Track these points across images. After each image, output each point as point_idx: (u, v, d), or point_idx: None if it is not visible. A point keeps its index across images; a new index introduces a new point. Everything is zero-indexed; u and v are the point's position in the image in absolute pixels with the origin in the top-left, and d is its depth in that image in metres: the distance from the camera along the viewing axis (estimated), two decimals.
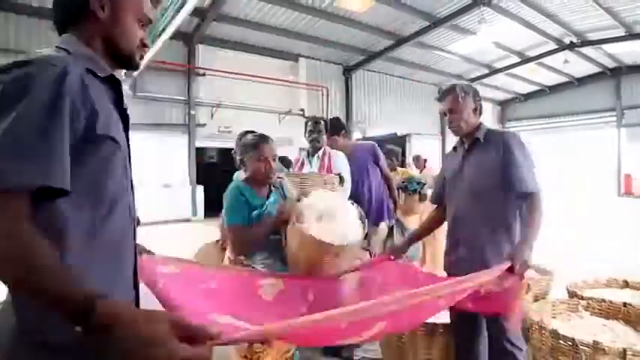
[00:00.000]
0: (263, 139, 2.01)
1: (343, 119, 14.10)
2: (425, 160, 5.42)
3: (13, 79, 0.68)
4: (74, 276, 0.64)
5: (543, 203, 1.72)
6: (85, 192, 0.74)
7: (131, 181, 0.91)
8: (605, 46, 13.00)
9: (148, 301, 1.11)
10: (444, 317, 1.98)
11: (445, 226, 2.05)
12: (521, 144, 1.80)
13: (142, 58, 0.97)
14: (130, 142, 0.92)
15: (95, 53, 0.86)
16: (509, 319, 1.67)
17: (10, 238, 0.61)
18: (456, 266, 1.88)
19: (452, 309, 1.83)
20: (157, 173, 9.69)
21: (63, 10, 0.87)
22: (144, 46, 0.95)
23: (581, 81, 16.65)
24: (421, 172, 5.63)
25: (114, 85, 0.88)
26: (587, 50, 13.29)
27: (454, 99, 1.87)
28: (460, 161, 1.94)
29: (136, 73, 8.24)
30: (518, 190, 1.72)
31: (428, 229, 2.18)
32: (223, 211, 2.10)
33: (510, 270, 1.47)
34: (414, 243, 2.13)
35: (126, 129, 0.89)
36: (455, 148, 2.06)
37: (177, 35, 8.67)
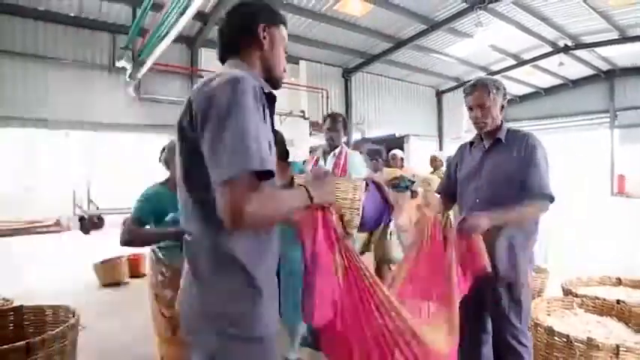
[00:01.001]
0: None
1: None
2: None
3: (220, 91, 0.91)
4: (293, 189, 1.11)
5: (544, 210, 1.71)
6: None
7: None
8: (599, 49, 13.00)
9: None
10: None
11: None
12: (541, 146, 1.76)
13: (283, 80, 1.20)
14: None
15: (258, 74, 1.08)
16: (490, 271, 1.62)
17: (270, 198, 0.91)
18: None
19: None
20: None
21: (235, 40, 1.10)
22: (284, 70, 1.18)
23: (576, 83, 16.65)
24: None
25: (271, 99, 1.06)
26: (581, 53, 13.29)
27: (485, 94, 1.76)
28: (479, 159, 1.86)
29: (140, 75, 8.24)
30: (531, 192, 1.70)
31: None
32: None
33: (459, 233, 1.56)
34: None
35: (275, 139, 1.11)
36: (472, 144, 1.96)
37: (180, 38, 8.68)
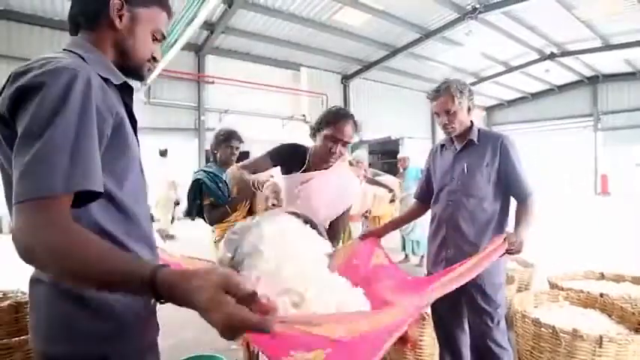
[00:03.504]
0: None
1: None
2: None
3: (40, 86, 0.63)
4: (132, 256, 0.64)
5: (537, 205, 1.65)
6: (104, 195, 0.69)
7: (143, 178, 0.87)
8: (583, 57, 13.01)
9: None
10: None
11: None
12: (515, 148, 1.68)
13: (150, 70, 0.92)
14: (140, 145, 0.87)
15: (107, 58, 0.82)
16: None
17: (65, 237, 0.58)
18: (443, 267, 1.70)
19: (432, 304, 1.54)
20: (170, 173, 9.70)
21: (81, 13, 0.82)
22: (154, 59, 0.90)
23: (561, 88, 16.67)
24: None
25: (125, 90, 0.83)
26: (566, 60, 13.30)
27: (449, 99, 1.65)
28: (451, 161, 1.76)
29: (149, 81, 8.25)
30: (519, 197, 1.65)
31: (406, 220, 2.10)
32: None
33: (507, 250, 1.45)
34: (391, 231, 1.94)
35: (135, 131, 0.84)
36: (442, 146, 1.86)
37: (188, 46, 8.69)
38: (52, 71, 0.64)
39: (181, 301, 0.54)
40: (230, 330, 0.49)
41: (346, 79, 13.44)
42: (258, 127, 10.48)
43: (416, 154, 6.07)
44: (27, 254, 0.58)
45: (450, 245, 1.73)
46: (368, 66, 12.73)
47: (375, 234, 1.86)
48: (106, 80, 0.75)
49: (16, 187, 0.59)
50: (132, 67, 0.86)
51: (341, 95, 13.47)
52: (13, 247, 0.58)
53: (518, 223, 1.62)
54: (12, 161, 0.63)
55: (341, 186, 1.72)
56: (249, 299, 0.51)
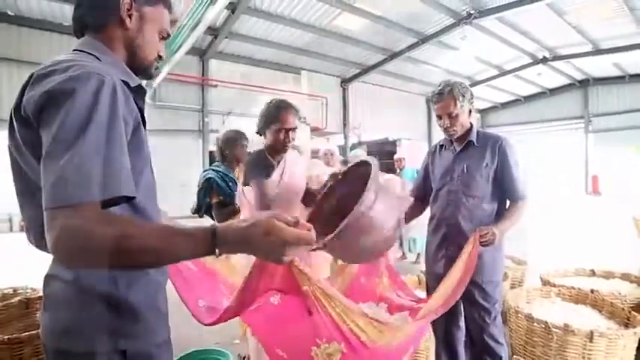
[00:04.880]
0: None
1: (341, 126, 14.17)
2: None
3: (70, 91, 0.62)
4: (184, 227, 0.65)
5: (526, 209, 1.66)
6: None
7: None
8: (574, 61, 13.01)
9: None
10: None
11: None
12: (513, 150, 1.67)
13: (157, 68, 0.93)
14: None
15: (120, 59, 0.82)
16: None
17: (116, 226, 0.59)
18: (443, 265, 1.70)
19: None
20: (175, 174, 9.70)
21: (90, 13, 0.80)
22: (160, 57, 0.90)
23: (553, 91, 16.65)
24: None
25: (139, 91, 0.83)
26: (558, 64, 13.29)
27: (452, 102, 1.62)
28: (451, 162, 1.73)
29: (155, 84, 8.25)
30: (513, 198, 1.65)
31: (406, 219, 2.00)
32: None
33: (481, 243, 1.48)
34: None
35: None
36: (442, 147, 1.83)
37: (192, 51, 8.69)
38: (80, 76, 0.63)
39: (240, 244, 0.64)
40: (285, 246, 0.62)
41: (345, 82, 13.43)
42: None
43: (412, 154, 6.02)
44: (79, 255, 0.57)
45: (450, 244, 1.71)
46: (366, 69, 12.73)
47: None
48: (124, 83, 0.75)
49: (50, 191, 0.58)
50: (141, 66, 0.85)
51: (340, 98, 13.46)
52: (51, 250, 0.58)
53: (500, 217, 1.65)
54: (31, 162, 0.65)
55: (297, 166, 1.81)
56: (295, 224, 0.65)
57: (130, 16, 0.80)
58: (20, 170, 0.71)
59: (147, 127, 0.86)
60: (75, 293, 0.70)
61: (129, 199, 0.64)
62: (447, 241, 1.73)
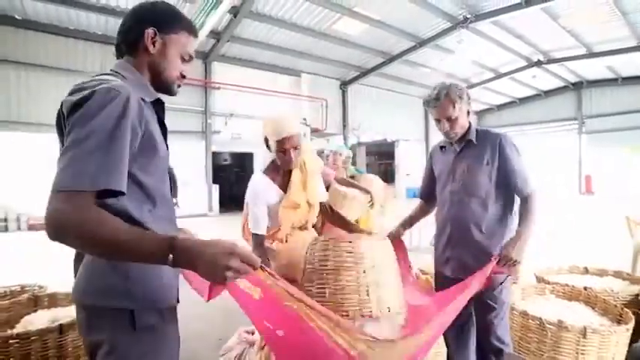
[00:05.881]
0: None
1: (340, 127, 14.17)
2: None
3: (89, 103, 0.75)
4: (148, 231, 0.77)
5: (539, 201, 1.56)
6: (134, 184, 0.83)
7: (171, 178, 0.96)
8: (568, 64, 13.02)
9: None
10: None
11: None
12: (513, 145, 1.60)
13: (179, 86, 1.02)
14: (169, 150, 0.99)
15: (144, 78, 0.94)
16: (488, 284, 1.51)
17: (89, 218, 0.69)
18: (449, 267, 1.66)
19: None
20: (179, 174, 9.72)
21: (124, 42, 0.93)
22: (183, 77, 1.00)
23: (547, 93, 16.69)
24: None
25: (157, 104, 0.95)
26: (552, 67, 13.31)
27: (450, 106, 1.57)
28: (452, 161, 1.68)
29: None
30: (521, 193, 1.56)
31: (416, 218, 1.96)
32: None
33: (498, 265, 1.42)
34: (407, 228, 1.90)
35: (165, 138, 0.98)
36: (442, 147, 1.78)
37: (195, 54, 8.66)
38: (99, 91, 0.76)
39: (191, 262, 0.70)
40: (220, 269, 0.69)
41: (345, 84, 13.45)
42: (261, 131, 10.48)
43: (410, 155, 5.98)
44: (58, 233, 0.69)
45: (455, 244, 1.67)
46: (365, 72, 12.75)
47: (397, 235, 1.83)
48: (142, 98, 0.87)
49: (55, 177, 0.71)
50: (163, 85, 0.97)
51: (339, 100, 13.48)
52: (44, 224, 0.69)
53: (516, 231, 1.55)
54: None
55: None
56: (253, 265, 0.70)
57: (154, 43, 0.92)
58: None
59: None
60: (92, 261, 0.83)
61: (117, 194, 0.75)
62: (453, 242, 1.68)
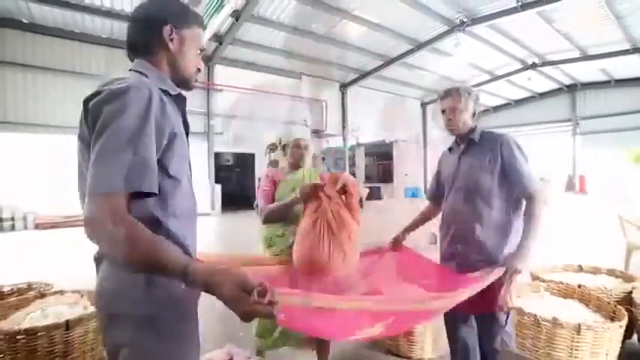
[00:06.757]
0: None
1: (340, 128, 14.14)
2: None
3: (113, 104, 0.74)
4: (171, 249, 0.75)
5: (541, 203, 1.53)
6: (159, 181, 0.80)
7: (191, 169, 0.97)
8: (563, 66, 13.02)
9: None
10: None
11: None
12: (516, 145, 1.60)
13: (196, 80, 1.01)
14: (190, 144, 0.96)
15: (165, 75, 0.92)
16: (498, 312, 1.49)
17: (119, 228, 0.69)
18: (455, 261, 1.66)
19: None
20: None
21: (139, 40, 0.91)
22: (199, 70, 1.00)
23: (542, 95, 16.69)
24: None
25: (179, 100, 0.94)
26: (547, 69, 13.31)
27: (457, 98, 1.64)
28: (456, 161, 1.70)
29: None
30: (524, 193, 1.54)
31: (423, 220, 1.96)
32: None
33: (504, 275, 1.40)
34: (410, 232, 1.91)
35: (187, 134, 0.94)
36: (450, 149, 1.80)
37: None
38: (121, 90, 0.75)
39: (206, 290, 0.70)
40: (246, 319, 0.67)
41: (344, 86, 13.45)
42: (262, 132, 10.49)
43: (408, 156, 5.98)
44: (92, 237, 0.71)
45: (460, 242, 1.66)
46: (364, 75, 12.74)
47: (398, 240, 1.86)
48: (165, 92, 0.86)
49: (89, 179, 0.71)
50: (182, 79, 0.95)
51: (339, 102, 13.48)
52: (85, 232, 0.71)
53: (521, 239, 1.51)
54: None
55: None
56: (261, 294, 0.67)
57: (171, 40, 0.90)
58: (84, 175, 0.79)
59: None
60: (115, 269, 0.82)
61: (150, 194, 0.75)
62: (457, 240, 1.68)
